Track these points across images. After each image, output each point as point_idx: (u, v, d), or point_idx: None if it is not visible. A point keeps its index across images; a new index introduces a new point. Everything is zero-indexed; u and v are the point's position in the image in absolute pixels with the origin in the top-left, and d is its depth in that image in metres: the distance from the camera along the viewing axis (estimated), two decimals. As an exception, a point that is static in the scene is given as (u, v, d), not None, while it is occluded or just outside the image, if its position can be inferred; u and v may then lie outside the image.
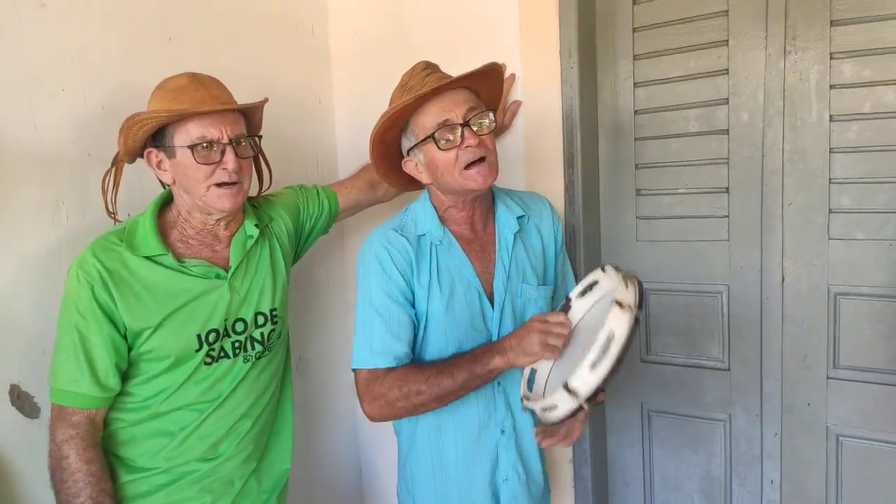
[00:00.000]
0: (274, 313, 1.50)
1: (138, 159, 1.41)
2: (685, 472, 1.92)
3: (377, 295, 1.40)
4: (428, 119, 1.36)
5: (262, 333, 1.48)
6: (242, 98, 1.44)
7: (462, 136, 1.34)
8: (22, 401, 1.42)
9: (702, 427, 1.87)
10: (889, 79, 1.50)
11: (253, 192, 1.50)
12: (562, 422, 1.20)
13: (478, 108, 1.37)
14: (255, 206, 1.54)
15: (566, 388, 1.14)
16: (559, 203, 1.81)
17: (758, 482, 1.80)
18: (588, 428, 1.90)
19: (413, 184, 1.54)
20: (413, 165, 1.44)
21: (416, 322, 1.42)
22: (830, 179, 1.59)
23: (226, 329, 1.42)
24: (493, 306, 1.45)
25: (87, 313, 1.29)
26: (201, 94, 1.34)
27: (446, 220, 1.47)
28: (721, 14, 1.67)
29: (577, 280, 1.68)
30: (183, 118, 1.30)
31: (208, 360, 1.40)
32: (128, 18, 1.60)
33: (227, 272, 1.42)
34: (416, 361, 1.44)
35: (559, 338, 1.27)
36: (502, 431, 1.49)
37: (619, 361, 1.12)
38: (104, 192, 1.41)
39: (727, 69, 1.68)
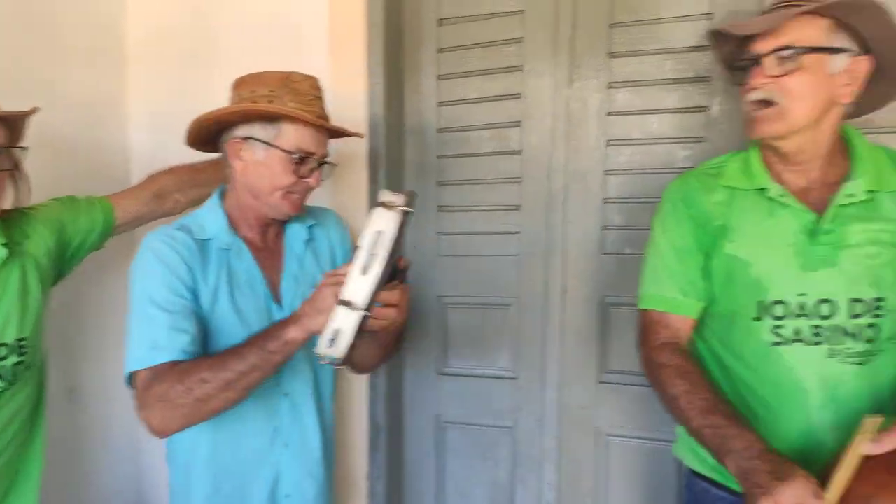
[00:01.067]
0: (22, 343, 1.32)
1: None
2: (475, 480, 1.97)
3: (158, 290, 1.28)
4: (299, 139, 1.34)
5: (2, 367, 1.29)
6: (15, 103, 1.28)
7: (311, 172, 1.37)
8: None
9: (491, 435, 1.94)
10: (654, 108, 1.69)
11: (7, 204, 1.33)
12: (353, 347, 1.11)
13: (327, 158, 1.42)
14: (6, 220, 1.35)
15: (341, 303, 1.08)
16: (363, 217, 1.81)
17: (537, 484, 1.90)
18: (384, 443, 1.91)
19: (208, 146, 1.46)
20: (239, 148, 1.36)
21: (196, 314, 1.32)
22: (604, 199, 1.76)
23: None
24: (280, 308, 1.42)
25: None
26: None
27: (239, 225, 1.42)
28: (516, 41, 1.80)
29: None
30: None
31: None
32: None
33: None
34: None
35: None
36: (286, 445, 1.42)
37: (389, 260, 1.08)
38: None
39: (520, 93, 1.81)
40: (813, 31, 1.11)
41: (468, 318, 1.95)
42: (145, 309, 1.28)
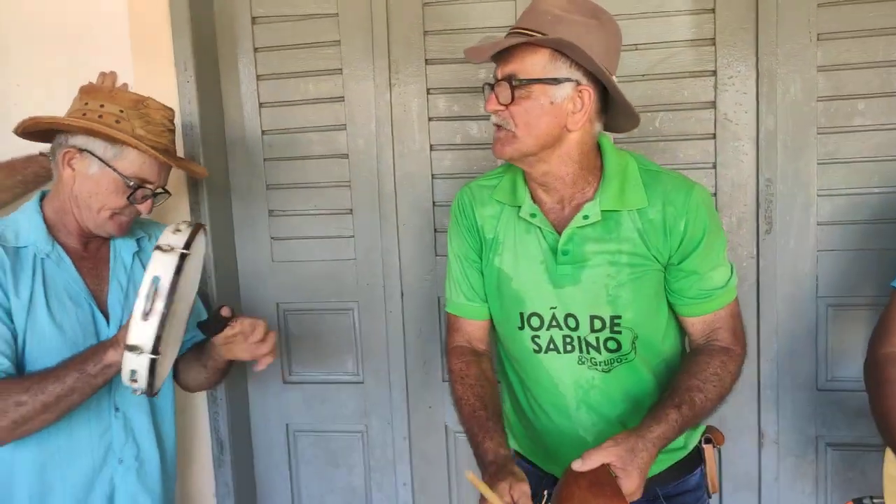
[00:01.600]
0: None
1: None
2: (330, 487, 1.96)
3: None
4: (139, 167, 1.30)
5: None
6: None
7: (143, 199, 1.32)
8: None
9: (343, 440, 1.93)
10: (472, 114, 1.70)
11: None
12: (151, 386, 1.12)
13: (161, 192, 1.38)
14: None
15: (128, 348, 1.09)
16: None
17: (392, 486, 1.91)
18: (230, 457, 1.84)
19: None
20: (71, 157, 1.28)
21: (14, 334, 1.24)
22: (434, 203, 1.76)
23: None
24: (108, 323, 1.35)
25: None
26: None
27: (57, 232, 1.33)
28: (334, 44, 1.74)
29: (209, 308, 1.61)
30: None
31: None
32: None
33: None
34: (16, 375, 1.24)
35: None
36: (120, 461, 1.37)
37: (169, 306, 1.08)
38: None
39: (343, 97, 1.76)
40: (535, 61, 1.12)
41: (309, 324, 1.91)
42: None
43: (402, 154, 1.75)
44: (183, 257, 1.10)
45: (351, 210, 1.81)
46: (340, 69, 1.74)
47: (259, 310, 1.89)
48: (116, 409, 1.36)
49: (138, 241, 1.44)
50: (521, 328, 1.26)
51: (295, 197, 1.84)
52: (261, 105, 1.80)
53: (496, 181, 1.30)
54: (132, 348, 1.08)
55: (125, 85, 1.66)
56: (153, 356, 1.09)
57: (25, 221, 1.32)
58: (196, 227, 1.16)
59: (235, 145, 1.84)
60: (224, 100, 1.82)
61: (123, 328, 1.16)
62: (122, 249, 1.41)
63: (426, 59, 1.69)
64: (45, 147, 1.41)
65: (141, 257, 1.44)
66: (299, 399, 1.93)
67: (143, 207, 1.33)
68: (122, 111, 1.28)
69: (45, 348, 1.27)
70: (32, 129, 1.33)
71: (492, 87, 1.17)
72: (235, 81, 1.80)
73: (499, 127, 1.17)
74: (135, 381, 1.12)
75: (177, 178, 1.70)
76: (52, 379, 1.17)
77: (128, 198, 1.30)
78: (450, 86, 1.70)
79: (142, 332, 1.08)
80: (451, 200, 1.72)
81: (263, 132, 1.82)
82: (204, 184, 1.73)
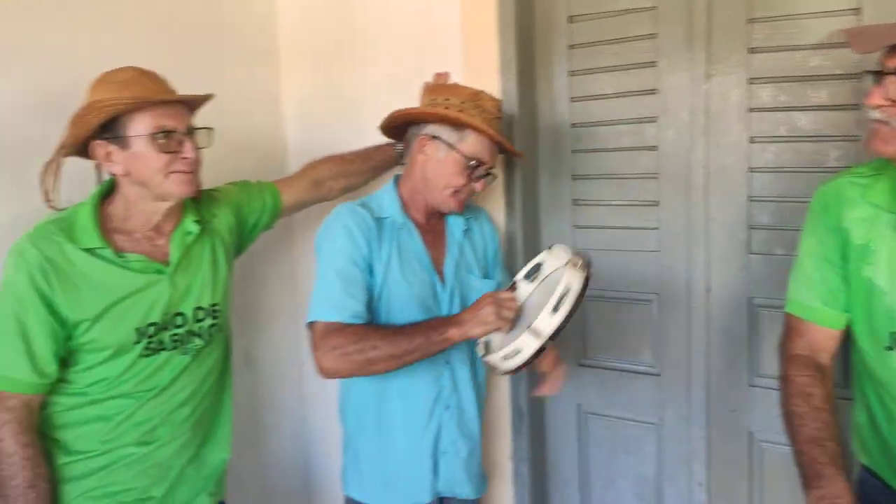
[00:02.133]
0: (214, 308, 1.53)
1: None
2: (619, 472, 2.00)
3: (340, 258, 1.49)
4: (479, 148, 1.52)
5: (201, 327, 1.51)
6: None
7: (479, 179, 1.56)
8: None
9: (634, 429, 1.95)
10: (802, 104, 1.57)
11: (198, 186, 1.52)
12: (525, 364, 1.34)
13: (491, 169, 1.59)
14: (196, 201, 1.55)
15: (530, 330, 1.30)
16: (500, 212, 1.88)
17: (686, 483, 1.88)
18: (527, 427, 1.98)
19: (393, 134, 1.69)
20: (425, 143, 1.54)
21: (369, 285, 1.52)
22: (749, 197, 1.66)
23: (165, 323, 1.44)
24: (443, 285, 1.60)
25: (27, 301, 1.30)
26: (154, 85, 1.36)
27: (409, 208, 1.61)
28: (650, 37, 1.72)
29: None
30: (138, 108, 1.32)
31: (146, 352, 1.42)
32: (71, 10, 1.60)
33: (168, 267, 1.44)
34: (371, 324, 1.52)
35: (510, 310, 1.41)
36: (447, 407, 1.61)
37: (574, 310, 1.30)
38: (43, 184, 1.40)
39: (655, 89, 1.74)
40: None
41: (606, 312, 1.94)
42: (327, 273, 1.50)
43: (717, 146, 1.68)
44: (587, 277, 1.35)
45: (657, 202, 1.79)
46: (655, 62, 1.73)
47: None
48: (447, 362, 1.60)
49: (466, 220, 1.67)
50: (891, 349, 1.15)
51: (599, 187, 1.88)
52: (571, 99, 1.87)
53: (867, 180, 1.19)
54: (533, 331, 1.30)
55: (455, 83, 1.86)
56: (547, 342, 1.30)
57: (386, 198, 1.61)
58: (587, 261, 1.39)
59: (545, 138, 1.93)
60: (537, 96, 1.92)
61: (467, 312, 1.42)
62: (455, 227, 1.65)
63: (749, 48, 1.60)
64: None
65: (469, 236, 1.67)
66: (592, 383, 1.99)
67: (478, 185, 1.56)
68: (462, 102, 1.52)
69: (397, 300, 1.54)
70: (393, 123, 1.61)
71: (875, 75, 1.06)
72: (549, 78, 1.89)
73: (881, 122, 1.07)
74: (506, 360, 1.35)
75: (497, 165, 1.85)
76: (403, 336, 1.42)
77: (468, 176, 1.52)
78: (775, 75, 1.58)
79: (549, 321, 1.30)
80: (772, 195, 1.64)
81: (572, 125, 1.88)
82: (518, 172, 1.86)
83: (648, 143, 1.78)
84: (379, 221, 1.55)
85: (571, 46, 1.84)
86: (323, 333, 1.44)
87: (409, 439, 1.59)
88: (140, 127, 1.33)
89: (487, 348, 1.46)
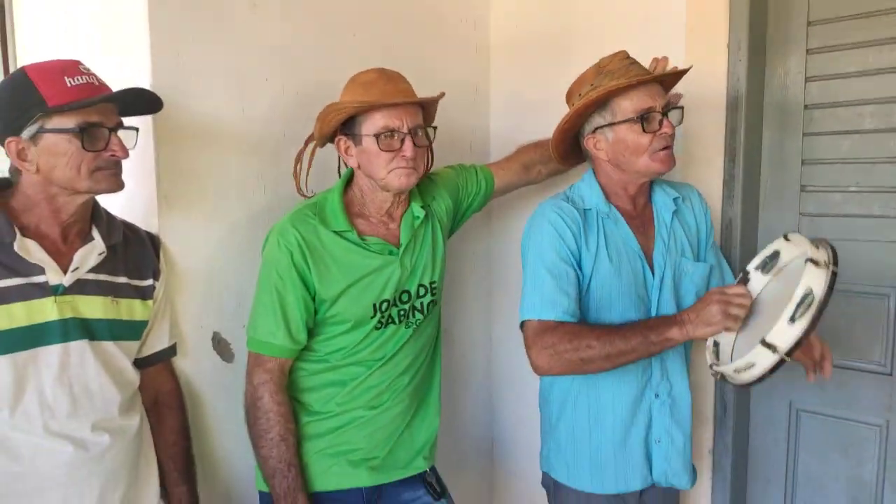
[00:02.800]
0: (433, 285, 1.65)
1: (328, 144, 1.60)
2: (832, 475, 1.89)
3: (549, 255, 1.51)
4: (631, 104, 1.47)
5: (422, 303, 1.63)
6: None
7: (661, 123, 1.46)
8: (222, 346, 1.65)
9: (855, 430, 1.84)
10: None
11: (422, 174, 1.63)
12: (759, 381, 1.22)
13: (671, 103, 1.49)
14: (418, 186, 1.66)
15: (764, 343, 1.16)
16: (717, 196, 1.83)
17: (914, 490, 1.75)
18: (731, 420, 1.92)
19: (569, 162, 1.70)
20: (594, 142, 1.55)
21: (579, 281, 1.53)
22: None
23: (395, 299, 1.57)
24: (653, 275, 1.56)
25: (286, 276, 1.48)
26: (389, 87, 1.49)
27: (611, 197, 1.59)
28: (905, 8, 1.61)
29: (734, 270, 1.72)
30: (371, 109, 1.47)
31: (379, 325, 1.56)
32: (319, 18, 1.78)
33: (399, 249, 1.57)
34: (584, 321, 1.54)
35: (741, 308, 1.30)
36: (656, 395, 1.59)
37: (817, 319, 1.14)
38: (296, 170, 1.60)
39: (908, 66, 1.62)
40: None
41: (833, 306, 1.81)
42: (537, 270, 1.52)
43: None
44: (834, 275, 1.16)
45: (903, 189, 1.68)
46: (909, 36, 1.61)
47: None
48: None
49: (674, 200, 1.63)
50: None
51: (833, 173, 1.78)
52: (807, 79, 1.78)
53: None
54: (769, 345, 1.17)
55: (674, 68, 1.82)
56: (785, 357, 1.17)
57: (587, 189, 1.60)
58: (832, 247, 1.22)
59: (773, 120, 1.86)
60: (767, 75, 1.85)
61: (691, 311, 1.35)
62: (663, 210, 1.61)
63: None
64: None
65: (678, 216, 1.62)
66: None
67: (666, 128, 1.47)
68: (592, 84, 1.51)
69: (605, 291, 1.53)
70: (561, 147, 1.65)
71: None
72: (783, 57, 1.82)
73: None
74: (739, 373, 1.23)
75: (716, 149, 1.82)
76: (620, 336, 1.39)
77: (645, 130, 1.46)
78: None
79: (784, 333, 1.16)
80: None
81: (806, 106, 1.80)
82: (740, 156, 1.80)
83: (898, 124, 1.66)
84: (584, 213, 1.55)
85: (811, 23, 1.75)
86: (536, 332, 1.47)
87: (619, 427, 1.58)
88: (370, 126, 1.48)
89: (717, 351, 1.37)
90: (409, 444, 1.67)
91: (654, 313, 1.55)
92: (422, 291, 1.63)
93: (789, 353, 1.16)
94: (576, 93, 1.56)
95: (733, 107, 1.79)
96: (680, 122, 1.54)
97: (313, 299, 1.51)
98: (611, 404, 1.58)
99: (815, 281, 1.15)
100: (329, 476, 1.56)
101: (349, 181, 1.61)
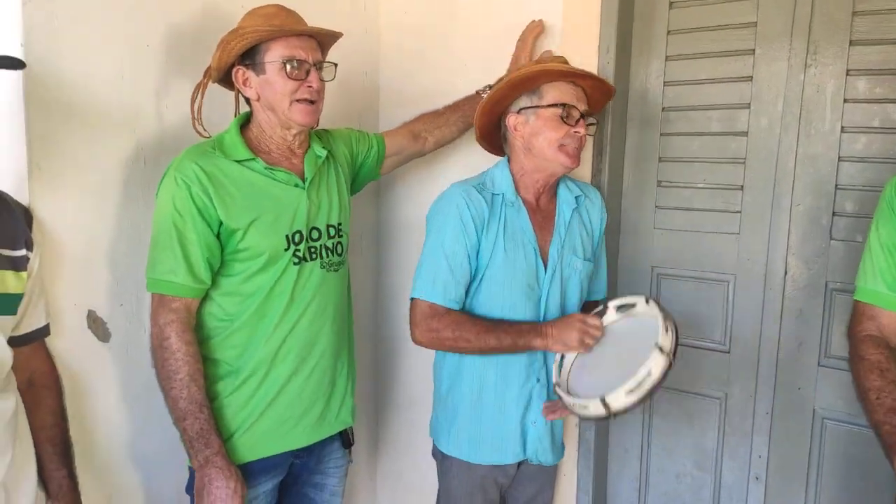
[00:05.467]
0: (341, 227, 1.68)
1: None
2: (681, 443, 2.09)
3: (450, 241, 1.60)
4: (558, 94, 1.59)
5: (333, 243, 1.65)
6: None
7: (577, 122, 1.59)
8: (97, 325, 1.59)
9: (699, 403, 2.04)
10: (897, 97, 1.64)
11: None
12: (584, 419, 1.50)
13: (589, 112, 1.66)
14: (317, 134, 1.71)
15: (602, 401, 1.41)
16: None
17: (747, 455, 1.97)
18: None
19: (486, 142, 1.78)
20: (514, 122, 1.63)
21: (472, 274, 1.63)
22: (837, 185, 1.74)
23: (306, 234, 1.59)
24: (545, 269, 1.66)
25: (185, 212, 1.43)
26: (291, 19, 1.52)
27: (519, 187, 1.68)
28: (750, 25, 1.80)
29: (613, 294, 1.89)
30: (275, 37, 1.48)
31: (295, 259, 1.56)
32: None
33: (304, 182, 1.59)
34: (469, 312, 1.65)
35: (593, 339, 1.57)
36: (537, 380, 1.70)
37: (649, 396, 1.41)
38: (192, 107, 1.57)
39: (751, 76, 1.82)
40: None
41: (682, 290, 2.04)
42: (436, 254, 1.62)
43: (808, 134, 1.76)
44: (671, 365, 1.41)
45: (741, 186, 1.88)
46: (753, 49, 1.81)
47: (635, 271, 2.09)
48: None
49: (577, 198, 1.73)
50: None
51: (684, 170, 1.97)
52: (665, 84, 1.96)
53: None
54: (605, 404, 1.41)
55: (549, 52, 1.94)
56: (611, 416, 1.42)
57: (499, 175, 1.69)
58: (676, 331, 1.48)
59: (636, 120, 2.03)
60: (631, 78, 2.01)
61: (554, 328, 1.57)
62: (564, 206, 1.71)
63: (851, 40, 1.67)
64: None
65: (579, 213, 1.73)
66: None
67: (579, 128, 1.59)
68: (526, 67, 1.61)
69: (499, 279, 1.64)
70: (484, 124, 1.72)
71: None
72: (646, 62, 1.98)
73: None
74: (575, 407, 1.48)
75: (586, 146, 1.94)
76: (494, 336, 1.57)
77: (563, 121, 1.57)
78: (874, 67, 1.65)
79: (620, 399, 1.40)
80: (858, 184, 1.71)
81: (664, 108, 1.97)
82: (606, 152, 1.96)
83: (739, 128, 1.86)
84: (491, 198, 1.64)
85: (670, 32, 1.92)
86: (425, 314, 1.60)
87: (501, 405, 1.68)
88: (274, 54, 1.49)
89: (562, 363, 1.61)
90: (339, 396, 1.71)
91: (542, 304, 1.67)
92: (332, 232, 1.65)
93: (616, 414, 1.41)
94: (512, 71, 1.66)
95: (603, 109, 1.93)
96: (593, 135, 1.71)
97: (218, 235, 1.48)
98: (494, 383, 1.68)
99: (656, 366, 1.39)
100: (261, 445, 1.56)
101: (245, 121, 1.59)
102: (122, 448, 1.65)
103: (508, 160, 1.71)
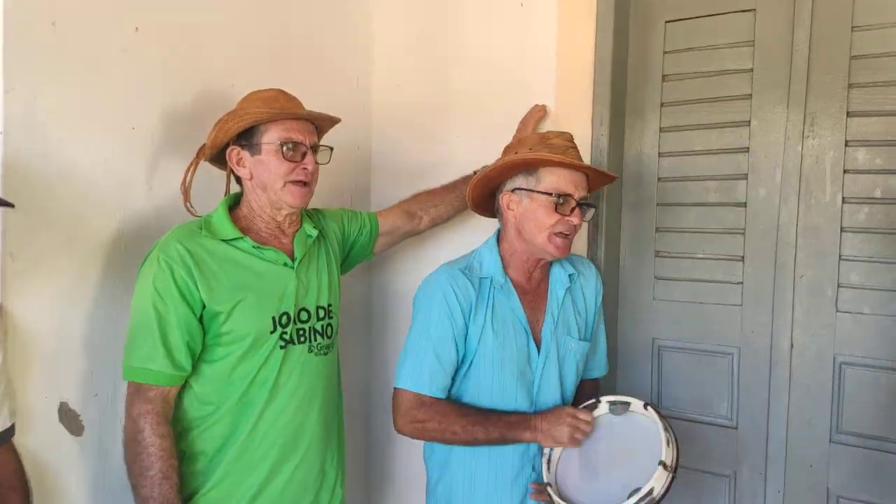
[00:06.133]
0: (330, 308, 1.61)
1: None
2: (689, 526, 1.99)
3: (435, 331, 1.53)
4: (556, 181, 1.52)
5: (322, 326, 1.58)
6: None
7: (572, 210, 1.53)
8: (69, 418, 1.49)
9: (708, 481, 1.95)
10: (898, 168, 1.63)
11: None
12: None
13: (588, 199, 1.60)
14: (308, 213, 1.66)
15: None
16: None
17: (760, 540, 1.88)
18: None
19: (479, 209, 1.72)
20: (508, 200, 1.58)
21: (459, 361, 1.56)
22: (841, 256, 1.71)
23: (294, 316, 1.51)
24: (539, 352, 1.59)
25: (166, 295, 1.37)
26: (290, 104, 1.52)
27: (508, 267, 1.61)
28: (745, 97, 1.80)
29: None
30: (275, 119, 1.46)
31: (282, 343, 1.48)
32: (196, 63, 1.73)
33: (294, 262, 1.53)
34: (457, 402, 1.56)
35: (584, 434, 1.51)
36: (532, 468, 1.60)
37: None
38: (184, 185, 1.53)
39: (748, 147, 1.81)
40: None
41: (683, 363, 1.97)
42: (421, 342, 1.55)
43: (809, 205, 1.74)
44: (673, 479, 1.40)
45: (742, 257, 1.84)
46: (748, 121, 1.80)
47: (635, 343, 2.02)
48: None
49: (570, 276, 1.66)
50: None
51: (683, 241, 1.93)
52: (660, 154, 1.94)
53: None
54: None
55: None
56: None
57: (487, 255, 1.62)
58: (678, 446, 1.46)
59: (630, 191, 2.00)
60: (626, 149, 1.99)
61: (544, 421, 1.51)
62: (557, 285, 1.65)
63: (848, 111, 1.67)
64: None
65: (572, 292, 1.66)
66: (665, 434, 2.00)
67: (574, 219, 1.54)
68: (531, 148, 1.55)
69: (489, 363, 1.56)
70: (478, 194, 1.66)
71: None
72: (640, 133, 1.97)
73: None
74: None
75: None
76: (482, 429, 1.50)
77: (556, 210, 1.52)
78: (873, 139, 1.65)
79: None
80: (863, 255, 1.69)
81: (659, 179, 1.95)
82: (603, 224, 1.92)
83: (737, 199, 1.84)
84: (479, 282, 1.57)
85: (663, 104, 1.92)
86: (411, 404, 1.53)
87: (494, 499, 1.59)
88: (272, 136, 1.47)
89: (550, 455, 1.55)
90: (329, 489, 1.63)
91: (535, 388, 1.59)
92: (321, 313, 1.58)
93: None
94: (513, 149, 1.60)
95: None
96: (589, 220, 1.66)
97: (201, 318, 1.41)
98: (485, 474, 1.58)
99: (658, 483, 1.37)
100: None
101: (235, 202, 1.55)
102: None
103: (498, 238, 1.65)
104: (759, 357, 1.84)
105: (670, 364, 1.99)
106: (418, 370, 1.52)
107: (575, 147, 1.58)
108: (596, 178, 1.62)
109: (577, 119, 1.90)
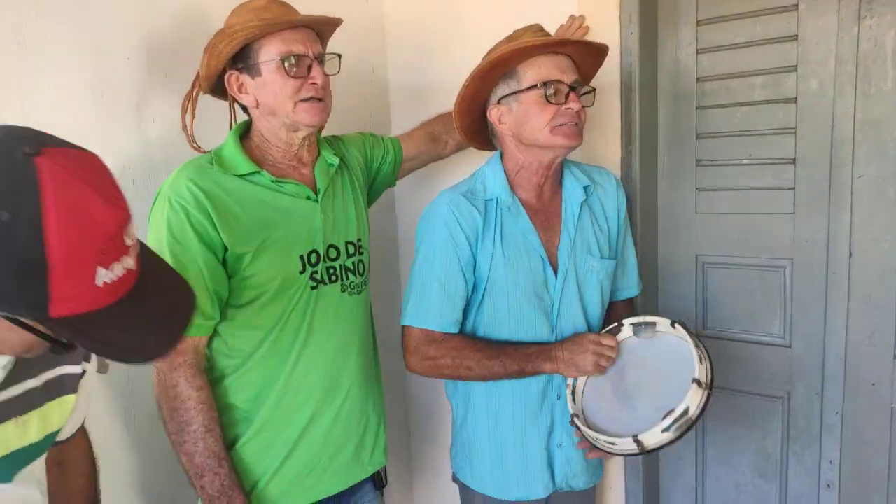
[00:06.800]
0: (360, 243, 1.51)
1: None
2: (738, 448, 1.89)
3: (439, 262, 1.43)
4: (536, 72, 1.38)
5: (354, 262, 1.48)
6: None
7: (567, 97, 1.38)
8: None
9: (759, 404, 1.83)
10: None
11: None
12: (612, 455, 1.38)
13: (582, 82, 1.43)
14: (327, 140, 1.55)
15: (635, 439, 1.28)
16: (615, 174, 1.78)
17: (815, 461, 1.76)
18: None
19: (476, 140, 1.58)
20: (497, 114, 1.44)
21: (469, 291, 1.47)
22: (905, 151, 1.52)
23: (323, 254, 1.41)
24: (556, 275, 1.47)
25: (183, 238, 1.24)
26: (284, 10, 1.35)
27: (516, 186, 1.49)
28: (791, -23, 1.59)
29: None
30: (268, 33, 1.31)
31: (313, 283, 1.38)
32: None
33: (317, 195, 1.42)
34: (470, 336, 1.48)
35: (609, 360, 1.42)
36: (558, 396, 1.51)
37: (685, 433, 1.29)
38: (184, 121, 1.42)
39: (796, 35, 1.61)
40: None
41: (730, 280, 1.83)
42: (425, 276, 1.45)
43: (868, 96, 1.54)
44: (709, 397, 1.31)
45: (793, 160, 1.66)
46: (796, 4, 1.59)
47: (677, 261, 1.89)
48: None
49: (585, 189, 1.52)
50: None
51: (727, 146, 1.76)
52: (698, 51, 1.75)
53: None
54: (638, 442, 1.29)
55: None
56: (645, 453, 1.31)
57: (491, 174, 1.49)
58: (712, 362, 1.38)
59: (667, 94, 1.83)
60: (659, 48, 1.81)
61: (565, 350, 1.41)
62: (572, 201, 1.50)
63: (911, -18, 1.45)
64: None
65: (590, 206, 1.52)
66: (712, 354, 1.87)
67: (573, 104, 1.38)
68: (501, 52, 1.39)
69: (502, 291, 1.46)
70: (467, 122, 1.52)
71: None
72: (674, 29, 1.78)
73: None
74: (602, 443, 1.36)
75: (612, 126, 1.77)
76: (499, 362, 1.41)
77: (549, 101, 1.37)
78: (942, 11, 1.43)
79: (654, 438, 1.29)
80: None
81: (698, 79, 1.77)
82: (636, 132, 1.76)
83: (786, 95, 1.65)
84: (485, 205, 1.45)
85: (700, -7, 1.72)
86: (420, 341, 1.45)
87: (521, 432, 1.51)
88: (270, 52, 1.32)
89: (574, 385, 1.47)
90: (372, 433, 1.54)
91: (555, 314, 1.49)
92: (351, 249, 1.47)
93: (650, 451, 1.30)
94: (484, 61, 1.46)
95: (627, 82, 1.74)
96: (591, 104, 1.47)
97: (224, 261, 1.28)
98: (511, 407, 1.51)
99: (693, 401, 1.28)
100: (288, 496, 1.40)
101: (244, 132, 1.42)
102: (130, 488, 1.54)
103: (501, 156, 1.51)
104: (815, 269, 1.68)
105: (715, 281, 1.85)
106: (425, 305, 1.44)
107: (547, 34, 1.45)
108: (584, 58, 1.45)
109: (604, 18, 1.72)
